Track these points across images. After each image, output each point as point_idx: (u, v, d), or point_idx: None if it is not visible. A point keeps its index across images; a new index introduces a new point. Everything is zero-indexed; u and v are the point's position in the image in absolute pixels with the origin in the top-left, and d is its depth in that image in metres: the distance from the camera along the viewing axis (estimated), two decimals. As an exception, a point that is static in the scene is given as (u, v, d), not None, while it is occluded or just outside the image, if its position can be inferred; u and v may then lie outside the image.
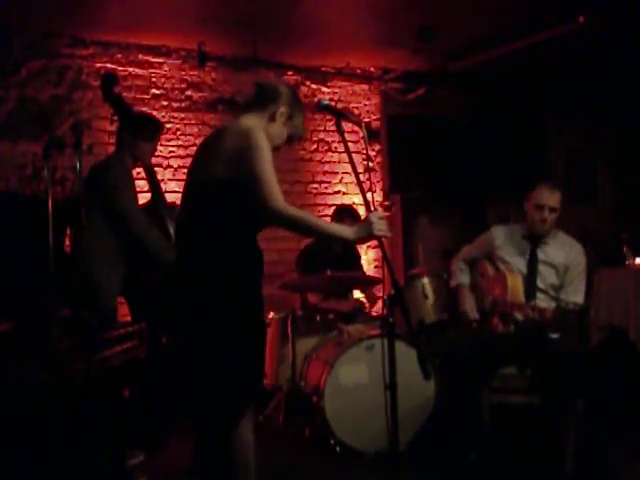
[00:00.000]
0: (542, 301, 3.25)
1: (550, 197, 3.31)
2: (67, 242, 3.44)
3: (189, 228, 2.36)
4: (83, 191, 2.69)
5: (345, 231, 2.32)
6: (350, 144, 2.40)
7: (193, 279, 2.30)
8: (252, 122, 2.38)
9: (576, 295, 3.28)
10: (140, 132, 3.40)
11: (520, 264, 3.37)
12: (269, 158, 2.23)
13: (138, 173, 4.52)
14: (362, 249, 5.28)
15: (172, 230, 3.35)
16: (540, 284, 3.33)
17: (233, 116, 2.50)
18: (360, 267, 4.80)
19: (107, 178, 3.24)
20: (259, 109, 2.43)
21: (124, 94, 4.09)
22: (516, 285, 3.26)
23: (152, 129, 3.49)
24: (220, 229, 2.27)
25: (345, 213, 4.54)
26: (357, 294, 4.87)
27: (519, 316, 3.19)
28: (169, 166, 4.87)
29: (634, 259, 5.04)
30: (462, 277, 3.61)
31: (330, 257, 4.29)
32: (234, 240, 2.29)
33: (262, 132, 2.29)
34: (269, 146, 2.26)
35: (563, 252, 3.36)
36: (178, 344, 2.51)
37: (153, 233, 3.27)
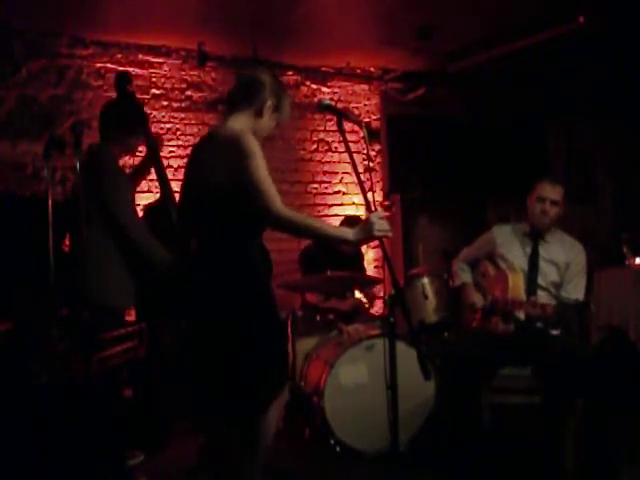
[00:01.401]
0: (543, 298, 3.26)
1: (552, 190, 3.34)
2: (66, 242, 3.42)
3: (197, 234, 2.36)
4: (83, 190, 2.67)
5: (346, 233, 2.32)
6: (350, 144, 2.39)
7: (202, 280, 2.29)
8: (240, 123, 2.36)
9: (576, 292, 3.29)
10: (128, 126, 3.33)
11: (521, 261, 3.38)
12: (262, 163, 2.21)
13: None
14: (362, 249, 5.27)
15: None
16: (541, 281, 3.33)
17: (221, 116, 2.47)
18: (362, 267, 4.80)
19: (102, 181, 3.15)
20: (245, 106, 2.39)
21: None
22: (517, 284, 3.27)
23: (139, 118, 3.42)
24: (222, 234, 2.28)
25: (352, 224, 4.54)
26: (358, 294, 4.87)
27: (520, 314, 3.19)
28: (169, 166, 4.87)
29: (634, 259, 5.04)
30: (465, 276, 3.61)
31: (332, 257, 4.28)
32: (237, 244, 2.29)
33: (250, 135, 2.26)
34: (260, 149, 2.23)
35: (564, 250, 3.37)
36: (186, 347, 2.49)
37: (148, 235, 3.20)
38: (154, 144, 3.45)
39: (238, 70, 2.54)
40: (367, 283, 4.62)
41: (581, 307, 2.94)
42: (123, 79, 3.41)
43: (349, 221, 4.64)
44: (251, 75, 2.45)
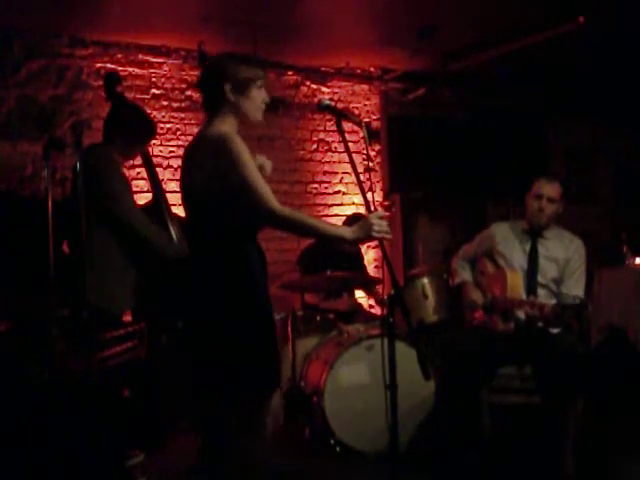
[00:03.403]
0: (543, 296, 3.26)
1: (548, 187, 3.35)
2: (65, 242, 3.41)
3: (193, 236, 2.37)
4: (82, 190, 2.67)
5: (343, 231, 2.32)
6: (350, 144, 2.38)
7: (199, 280, 2.30)
8: (225, 123, 2.32)
9: (577, 289, 3.29)
10: (134, 133, 3.32)
11: (521, 259, 3.38)
12: (251, 163, 2.20)
13: (138, 173, 4.54)
14: (362, 249, 5.28)
15: (173, 231, 3.33)
16: (541, 279, 3.33)
17: (205, 117, 2.41)
18: (363, 267, 4.80)
19: (104, 184, 3.14)
20: (217, 104, 2.33)
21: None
22: (516, 282, 3.27)
23: (146, 130, 3.41)
24: (217, 235, 2.28)
25: (356, 222, 4.53)
26: (359, 294, 4.87)
27: (519, 313, 3.19)
28: (169, 166, 4.87)
29: (634, 259, 5.05)
30: (465, 274, 3.61)
31: (332, 257, 4.28)
32: (233, 243, 2.29)
33: (236, 136, 2.23)
34: (246, 149, 2.21)
35: (563, 246, 3.38)
36: (183, 344, 2.49)
37: (153, 229, 3.22)
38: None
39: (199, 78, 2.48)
40: (367, 283, 4.62)
41: (579, 307, 2.94)
42: (111, 80, 3.38)
43: (354, 219, 4.64)
44: (204, 74, 2.41)
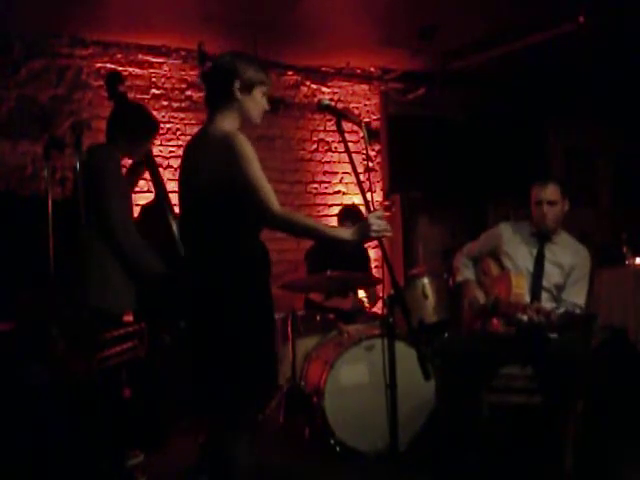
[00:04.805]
0: (546, 300, 3.25)
1: (545, 191, 3.34)
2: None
3: (193, 234, 2.37)
4: (82, 190, 2.67)
5: (343, 233, 2.32)
6: (350, 144, 2.38)
7: (200, 280, 2.30)
8: (227, 121, 2.33)
9: (577, 297, 3.27)
10: (136, 132, 3.31)
11: (527, 261, 3.37)
12: (256, 163, 2.20)
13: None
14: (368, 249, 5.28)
15: (176, 230, 3.32)
16: (545, 283, 3.32)
17: (207, 115, 2.41)
18: (368, 268, 4.79)
19: (99, 183, 3.10)
20: (223, 101, 2.34)
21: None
22: (520, 284, 3.25)
23: (148, 129, 3.40)
24: (221, 232, 2.27)
25: (348, 215, 4.54)
26: (361, 294, 4.87)
27: (523, 317, 3.18)
28: (169, 166, 4.87)
29: (634, 259, 5.05)
30: (467, 273, 3.58)
31: (335, 257, 4.27)
32: (237, 241, 2.28)
33: (241, 135, 2.24)
34: (252, 149, 2.22)
35: (570, 252, 3.36)
36: (185, 344, 2.49)
37: (139, 242, 3.14)
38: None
39: (203, 71, 2.50)
40: (367, 283, 4.61)
41: (589, 319, 2.90)
42: (113, 80, 3.37)
43: (348, 212, 4.63)
44: (214, 69, 2.41)
